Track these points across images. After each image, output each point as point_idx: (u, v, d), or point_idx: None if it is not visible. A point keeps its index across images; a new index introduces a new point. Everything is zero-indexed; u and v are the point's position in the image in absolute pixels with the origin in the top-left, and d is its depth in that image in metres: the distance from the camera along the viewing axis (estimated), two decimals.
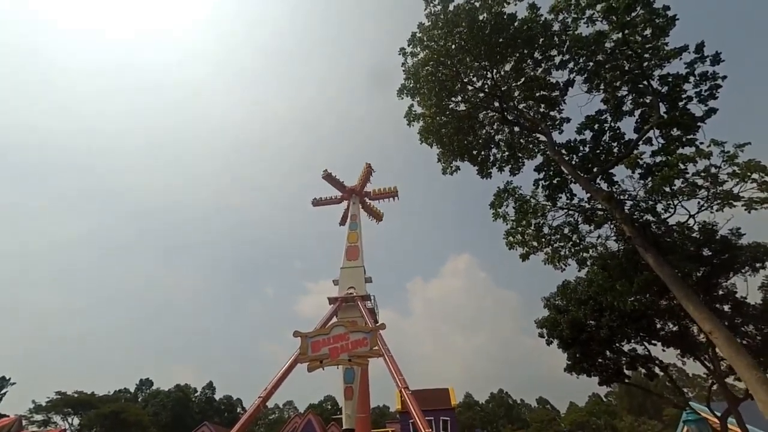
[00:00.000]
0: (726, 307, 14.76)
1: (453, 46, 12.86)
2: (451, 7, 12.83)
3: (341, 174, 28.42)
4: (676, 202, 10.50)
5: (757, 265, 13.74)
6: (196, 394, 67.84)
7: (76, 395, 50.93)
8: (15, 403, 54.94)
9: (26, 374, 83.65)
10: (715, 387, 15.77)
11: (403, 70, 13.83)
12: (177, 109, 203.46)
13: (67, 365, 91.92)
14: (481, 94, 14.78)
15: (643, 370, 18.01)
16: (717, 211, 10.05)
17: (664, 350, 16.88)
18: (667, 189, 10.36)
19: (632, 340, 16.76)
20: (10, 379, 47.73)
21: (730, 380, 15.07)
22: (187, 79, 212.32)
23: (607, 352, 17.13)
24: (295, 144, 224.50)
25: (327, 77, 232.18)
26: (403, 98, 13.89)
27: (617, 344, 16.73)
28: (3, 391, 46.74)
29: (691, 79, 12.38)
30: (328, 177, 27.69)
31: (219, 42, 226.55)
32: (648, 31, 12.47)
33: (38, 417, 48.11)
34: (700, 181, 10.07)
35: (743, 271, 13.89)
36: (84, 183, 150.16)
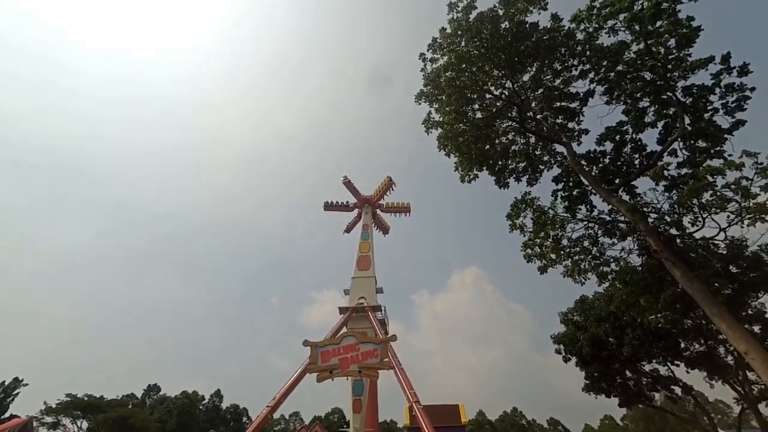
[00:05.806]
0: (756, 328, 14.07)
1: (474, 53, 12.82)
2: (473, 15, 12.85)
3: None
4: (705, 215, 10.08)
5: None
6: (203, 402, 67.44)
7: (85, 398, 51.23)
8: (27, 403, 55.69)
9: (38, 375, 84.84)
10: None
11: (423, 76, 13.77)
12: (187, 121, 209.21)
13: (77, 368, 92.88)
14: (499, 103, 14.68)
15: (665, 392, 17.18)
16: (749, 225, 9.59)
17: (688, 371, 16.13)
18: (695, 202, 9.95)
19: (654, 360, 16.09)
20: (23, 380, 48.40)
21: (762, 406, 14.26)
22: (197, 92, 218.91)
23: (627, 372, 16.45)
24: (301, 154, 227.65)
25: (333, 86, 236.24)
26: (420, 104, 13.82)
27: (639, 364, 16.07)
28: (15, 392, 47.33)
29: (717, 90, 12.07)
30: (348, 184, 28.16)
31: (227, 57, 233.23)
32: (672, 42, 12.24)
33: (48, 419, 48.50)
34: (729, 194, 9.65)
35: None
36: (95, 192, 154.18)
